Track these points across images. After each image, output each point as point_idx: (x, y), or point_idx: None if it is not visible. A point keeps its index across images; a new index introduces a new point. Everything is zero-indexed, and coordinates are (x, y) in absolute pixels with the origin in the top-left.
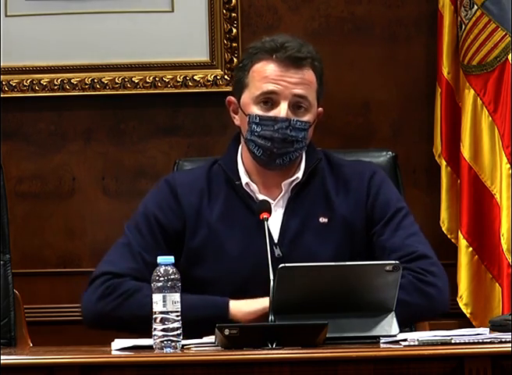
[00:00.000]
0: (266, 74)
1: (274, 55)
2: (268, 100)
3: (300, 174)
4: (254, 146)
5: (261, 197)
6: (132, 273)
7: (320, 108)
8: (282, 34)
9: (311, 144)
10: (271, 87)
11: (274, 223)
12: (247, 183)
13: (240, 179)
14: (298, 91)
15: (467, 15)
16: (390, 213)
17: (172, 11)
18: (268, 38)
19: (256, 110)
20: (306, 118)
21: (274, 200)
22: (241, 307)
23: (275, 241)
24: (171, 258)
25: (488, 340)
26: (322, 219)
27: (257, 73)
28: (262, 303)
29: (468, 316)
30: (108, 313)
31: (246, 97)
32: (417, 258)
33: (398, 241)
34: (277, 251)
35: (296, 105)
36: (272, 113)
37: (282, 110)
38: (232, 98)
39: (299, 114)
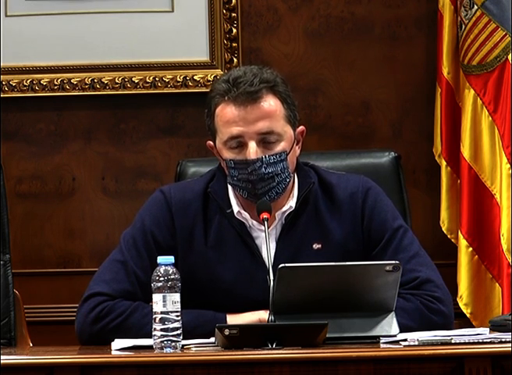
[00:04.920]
0: (227, 118)
1: (226, 97)
2: (237, 143)
3: (293, 203)
4: (238, 189)
5: (253, 224)
6: (125, 296)
7: (300, 127)
8: (238, 68)
9: (301, 168)
10: (234, 131)
11: (267, 252)
12: (238, 212)
13: (231, 206)
14: (261, 127)
15: (467, 15)
16: (388, 235)
17: (172, 11)
18: (224, 77)
19: (229, 154)
20: (279, 148)
21: (268, 231)
22: (238, 321)
23: (269, 270)
24: (171, 258)
25: (488, 340)
26: (316, 246)
27: (219, 118)
28: (258, 315)
29: (468, 316)
30: (106, 335)
31: (218, 142)
32: (420, 284)
33: None
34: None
35: (266, 139)
36: (243, 155)
37: (251, 151)
38: (211, 143)
39: (270, 147)
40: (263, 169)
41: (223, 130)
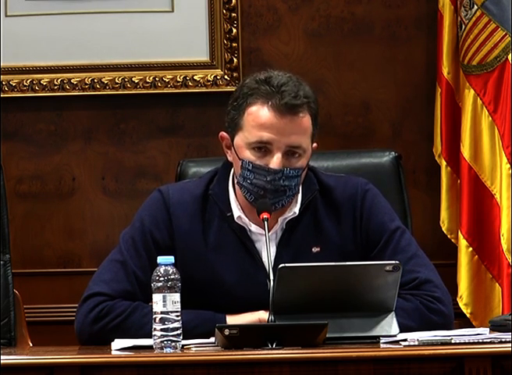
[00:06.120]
0: (261, 121)
1: (269, 102)
2: (262, 147)
3: (296, 209)
4: (246, 192)
5: (253, 229)
6: (124, 296)
7: (314, 144)
8: (278, 73)
9: (307, 175)
10: (265, 136)
11: (267, 256)
12: (239, 217)
13: (231, 210)
14: (293, 141)
15: (467, 15)
16: (386, 237)
17: (172, 11)
18: (263, 76)
19: (249, 155)
20: (300, 164)
21: (268, 233)
22: (238, 321)
23: (269, 273)
24: (171, 258)
25: (488, 340)
26: (315, 249)
27: (252, 118)
28: (258, 315)
29: (468, 316)
30: (106, 335)
31: (239, 139)
32: (420, 284)
33: None
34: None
35: (290, 152)
36: (265, 161)
37: (275, 161)
38: (224, 134)
39: (293, 161)
40: (281, 181)
41: (253, 132)
